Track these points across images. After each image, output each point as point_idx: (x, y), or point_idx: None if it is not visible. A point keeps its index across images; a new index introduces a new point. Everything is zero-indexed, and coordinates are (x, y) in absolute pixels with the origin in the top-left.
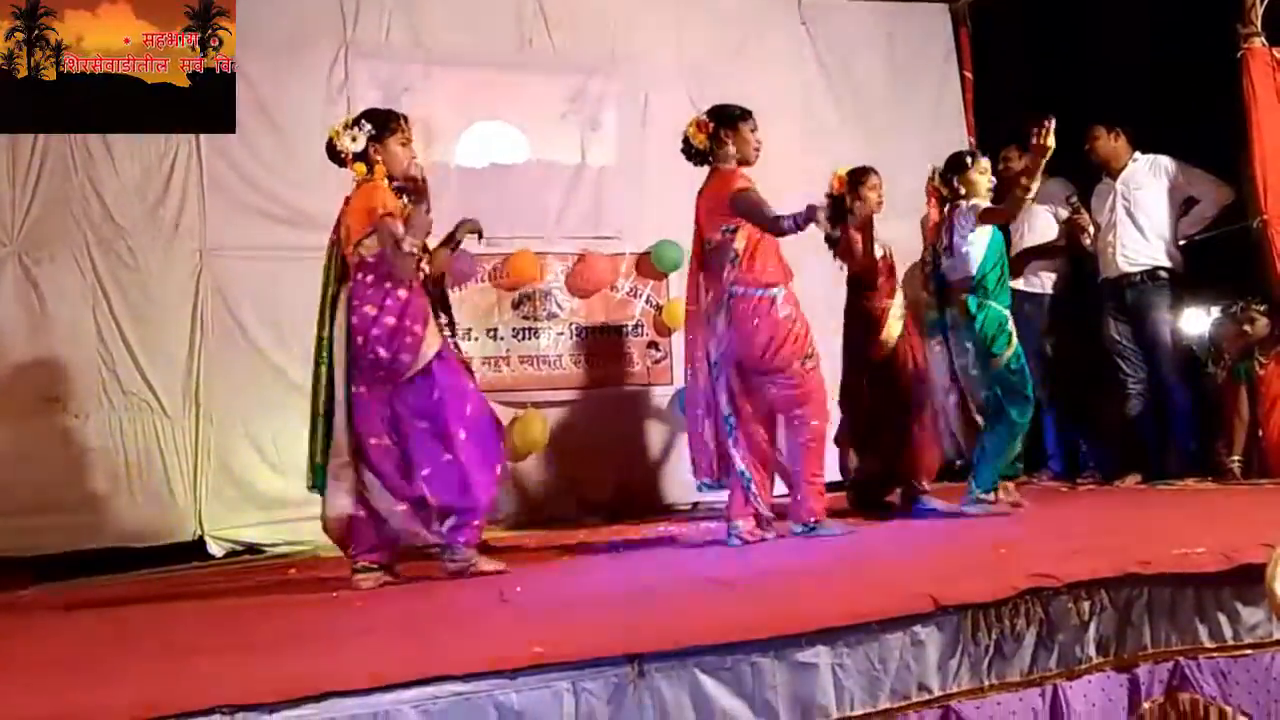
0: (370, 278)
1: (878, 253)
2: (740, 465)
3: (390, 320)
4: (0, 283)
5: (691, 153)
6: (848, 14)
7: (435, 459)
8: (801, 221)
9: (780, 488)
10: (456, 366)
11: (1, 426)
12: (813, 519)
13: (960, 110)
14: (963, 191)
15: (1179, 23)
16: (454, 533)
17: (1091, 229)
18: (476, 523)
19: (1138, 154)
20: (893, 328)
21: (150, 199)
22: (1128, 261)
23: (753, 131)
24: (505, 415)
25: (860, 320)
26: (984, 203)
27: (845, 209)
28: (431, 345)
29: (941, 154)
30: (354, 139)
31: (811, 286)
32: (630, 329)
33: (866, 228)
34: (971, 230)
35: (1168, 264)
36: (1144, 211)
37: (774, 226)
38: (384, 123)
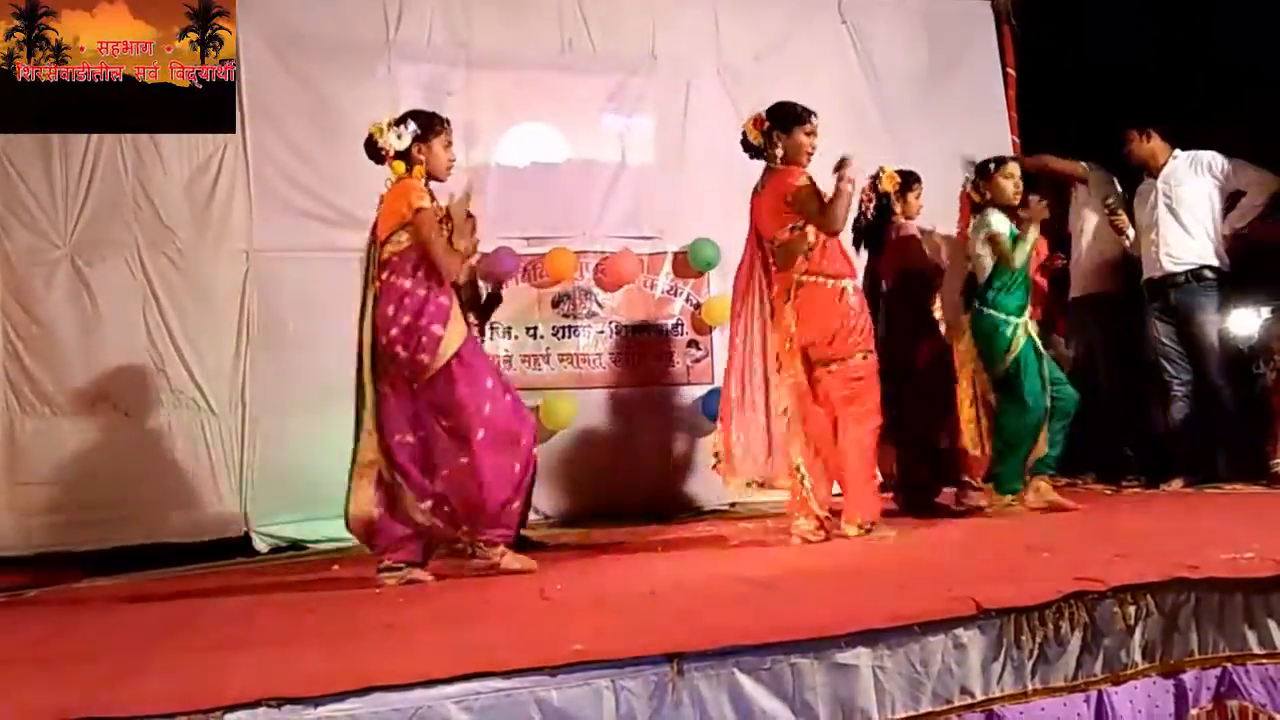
0: (393, 276)
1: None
2: (798, 460)
3: (406, 319)
4: (53, 284)
5: (748, 146)
6: (888, 11)
7: (453, 460)
8: (843, 210)
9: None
10: (478, 367)
11: (54, 425)
12: (869, 521)
13: (1003, 108)
14: (989, 197)
15: (1229, 16)
16: (479, 533)
17: (1130, 230)
18: (503, 522)
19: (1178, 151)
20: (931, 342)
21: (199, 200)
22: (1172, 261)
23: (808, 135)
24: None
25: (907, 326)
26: (996, 213)
27: (891, 213)
28: (451, 345)
29: (985, 152)
30: (399, 137)
31: None
32: (670, 327)
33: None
34: (980, 239)
35: (1214, 263)
36: (1186, 208)
37: (827, 225)
38: (429, 124)
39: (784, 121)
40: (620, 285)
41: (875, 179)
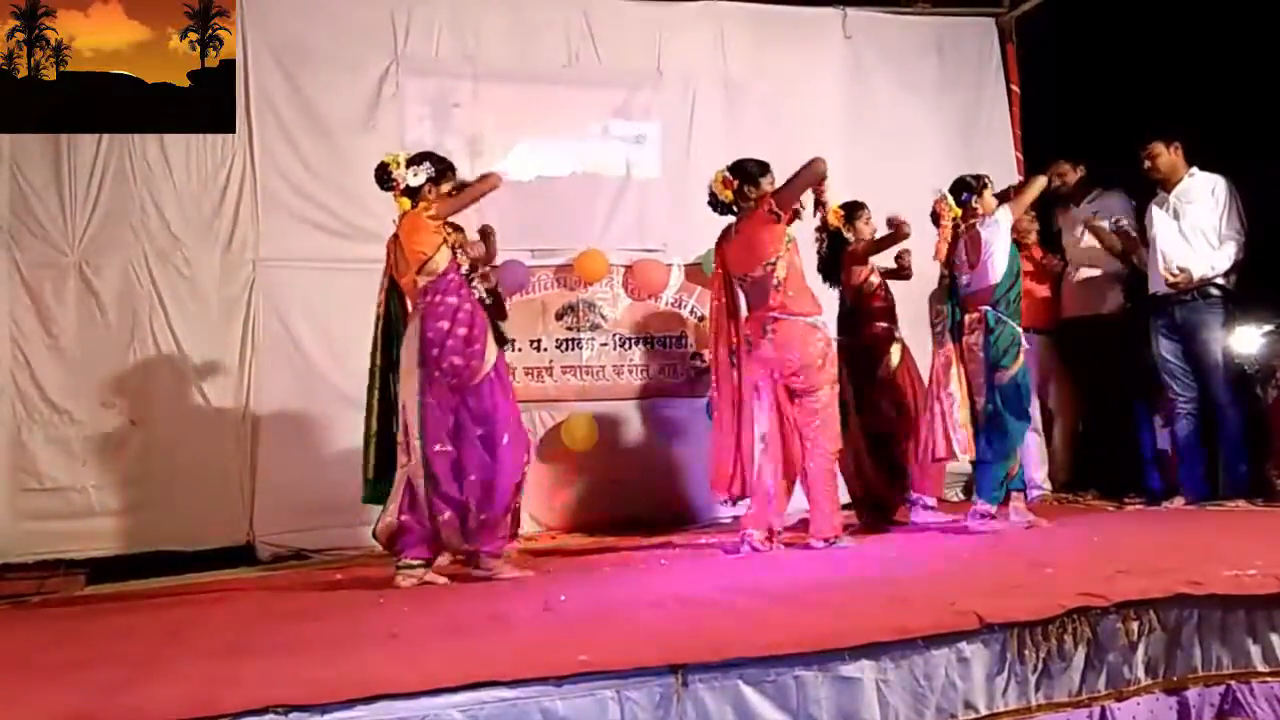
0: (438, 296)
1: (875, 280)
2: (769, 479)
3: (462, 331)
4: (62, 291)
5: (716, 204)
6: (893, 28)
7: (482, 465)
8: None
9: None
10: (507, 378)
11: (61, 432)
12: (833, 535)
13: (1007, 123)
14: (980, 211)
15: (1230, 30)
16: (480, 539)
17: (1142, 250)
18: (501, 533)
19: (1195, 169)
20: (892, 355)
21: (206, 210)
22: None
23: (771, 185)
24: (550, 423)
25: (860, 351)
26: (1007, 216)
27: (844, 242)
28: (493, 353)
29: (989, 167)
30: (415, 175)
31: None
32: (673, 340)
33: (865, 258)
34: (998, 236)
35: (1220, 280)
36: (1195, 226)
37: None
38: (443, 169)
39: (751, 176)
40: (652, 293)
41: (823, 217)
